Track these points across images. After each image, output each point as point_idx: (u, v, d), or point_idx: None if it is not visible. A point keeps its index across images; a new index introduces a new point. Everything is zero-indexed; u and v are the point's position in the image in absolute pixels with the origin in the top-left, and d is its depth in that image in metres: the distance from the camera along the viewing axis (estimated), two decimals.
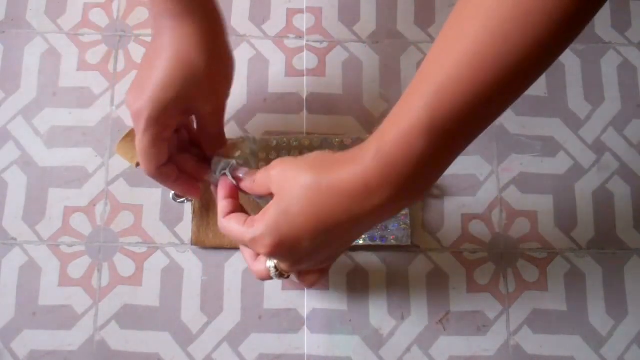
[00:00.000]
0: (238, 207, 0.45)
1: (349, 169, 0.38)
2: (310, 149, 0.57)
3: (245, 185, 0.45)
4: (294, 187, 0.39)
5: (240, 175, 0.45)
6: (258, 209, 0.44)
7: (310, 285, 0.48)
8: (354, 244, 0.55)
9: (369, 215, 0.38)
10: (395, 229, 0.56)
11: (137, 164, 0.56)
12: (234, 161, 0.47)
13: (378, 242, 0.55)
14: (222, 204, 0.45)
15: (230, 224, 0.43)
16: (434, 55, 0.37)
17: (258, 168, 0.46)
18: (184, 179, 0.48)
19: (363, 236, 0.55)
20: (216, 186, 0.47)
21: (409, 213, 0.56)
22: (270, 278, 0.46)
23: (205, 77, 0.44)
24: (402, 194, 0.38)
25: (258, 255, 0.46)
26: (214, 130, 0.47)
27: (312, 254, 0.41)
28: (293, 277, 0.47)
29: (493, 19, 0.34)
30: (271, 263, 0.45)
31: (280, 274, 0.45)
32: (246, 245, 0.42)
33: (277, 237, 0.39)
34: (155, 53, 0.44)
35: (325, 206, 0.38)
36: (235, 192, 0.46)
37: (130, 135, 0.49)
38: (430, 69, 0.36)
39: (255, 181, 0.44)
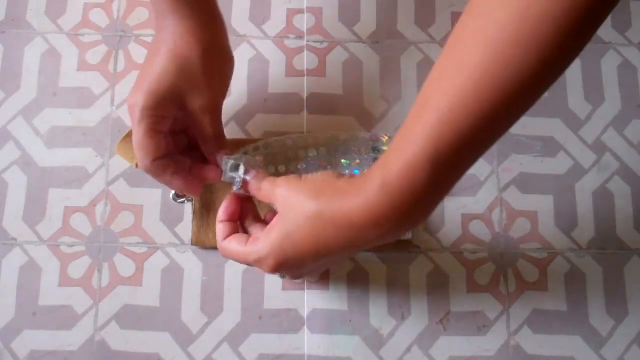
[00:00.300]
0: (237, 229, 0.46)
1: (354, 201, 0.38)
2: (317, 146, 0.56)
3: (251, 188, 0.45)
4: (298, 214, 0.40)
5: (248, 178, 0.45)
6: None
7: (314, 281, 0.50)
8: None
9: (372, 242, 0.39)
10: None
11: (137, 164, 0.56)
12: (242, 159, 0.46)
13: None
14: (220, 227, 0.45)
15: (231, 245, 0.44)
16: (435, 81, 0.37)
17: (267, 169, 0.46)
18: (181, 175, 0.48)
19: None
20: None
21: None
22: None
23: (200, 72, 0.45)
24: (406, 222, 0.38)
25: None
26: (210, 130, 0.47)
27: (314, 269, 0.43)
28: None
29: (495, 44, 0.33)
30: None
31: (284, 276, 0.46)
32: (248, 265, 0.43)
33: (281, 258, 0.41)
34: (154, 50, 0.46)
35: (329, 235, 0.39)
36: (236, 215, 0.46)
37: (130, 135, 0.49)
38: (432, 96, 0.36)
39: (260, 189, 0.44)
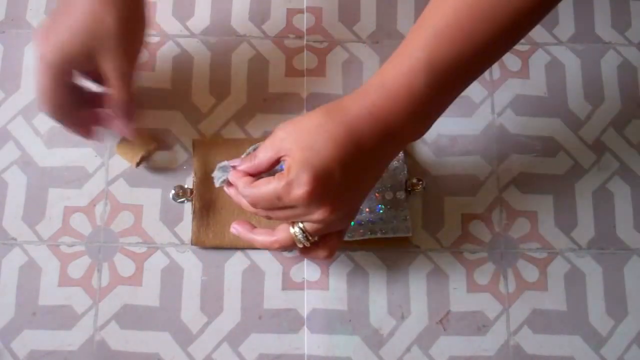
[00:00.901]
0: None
1: (356, 103, 0.42)
2: None
3: (248, 167, 0.46)
4: (310, 127, 0.42)
5: (236, 164, 0.47)
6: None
7: (331, 253, 0.49)
8: (354, 239, 0.55)
9: (382, 150, 0.42)
10: (394, 222, 0.56)
11: (138, 164, 0.56)
12: (225, 162, 0.48)
13: (379, 235, 0.55)
14: (242, 180, 0.46)
15: (259, 186, 0.44)
16: (433, 6, 0.40)
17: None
18: (82, 118, 0.51)
19: (362, 231, 0.55)
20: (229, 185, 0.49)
21: (407, 207, 0.56)
22: (292, 248, 0.47)
23: (115, 37, 0.46)
24: (405, 128, 0.42)
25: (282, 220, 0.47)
26: (120, 94, 0.49)
27: (343, 190, 0.43)
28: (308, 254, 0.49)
29: None
30: (296, 228, 0.46)
31: (307, 237, 0.46)
32: (278, 201, 0.43)
33: (311, 170, 0.41)
34: (70, 4, 0.46)
35: (342, 134, 0.41)
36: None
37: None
38: (430, 17, 0.40)
39: (257, 157, 0.45)
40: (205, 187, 0.56)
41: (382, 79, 0.41)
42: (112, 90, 0.49)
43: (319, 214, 0.44)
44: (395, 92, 0.41)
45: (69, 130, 0.52)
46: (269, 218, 0.47)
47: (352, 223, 0.55)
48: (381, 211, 0.56)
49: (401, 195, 0.56)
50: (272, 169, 0.45)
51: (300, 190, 0.42)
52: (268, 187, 0.43)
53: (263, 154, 0.45)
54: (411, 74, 0.40)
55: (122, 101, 0.50)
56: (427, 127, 0.44)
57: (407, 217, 0.56)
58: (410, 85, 0.40)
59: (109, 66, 0.47)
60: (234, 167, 0.47)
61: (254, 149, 0.55)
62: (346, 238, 0.55)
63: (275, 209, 0.45)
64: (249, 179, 0.46)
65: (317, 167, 0.41)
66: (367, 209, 0.56)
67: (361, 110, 0.42)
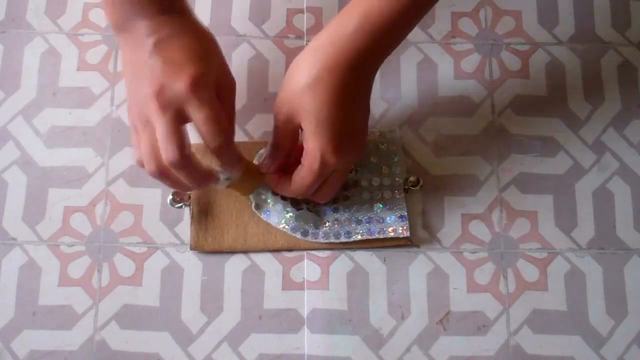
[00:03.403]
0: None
1: (328, 27, 0.48)
2: None
3: (272, 153, 0.51)
4: (298, 89, 0.47)
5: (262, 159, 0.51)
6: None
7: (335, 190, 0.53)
8: (353, 239, 0.55)
9: (352, 76, 0.46)
10: (392, 222, 0.56)
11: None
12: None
13: (376, 236, 0.55)
14: (280, 185, 0.52)
15: (296, 176, 0.49)
16: None
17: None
18: (202, 172, 0.47)
19: (360, 231, 0.55)
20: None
21: (405, 207, 0.56)
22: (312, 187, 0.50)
23: (220, 57, 0.48)
24: (378, 52, 0.48)
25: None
26: (232, 114, 0.50)
27: (348, 116, 0.47)
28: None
29: None
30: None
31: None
32: (320, 171, 0.48)
33: (326, 133, 0.47)
34: (166, 43, 0.45)
35: (333, 55, 0.46)
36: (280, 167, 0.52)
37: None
38: None
39: (280, 128, 0.50)
40: (202, 191, 0.56)
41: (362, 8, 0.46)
42: (228, 110, 0.48)
43: (348, 157, 0.50)
44: (367, 14, 0.46)
45: (192, 181, 0.47)
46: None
47: (351, 223, 0.55)
48: (379, 211, 0.56)
49: (399, 194, 0.57)
50: (295, 142, 0.50)
51: (333, 157, 0.47)
52: (300, 169, 0.48)
53: (278, 139, 0.50)
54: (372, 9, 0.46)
55: (229, 121, 0.48)
56: (391, 44, 0.49)
57: (405, 216, 0.56)
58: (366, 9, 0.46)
59: (228, 87, 0.49)
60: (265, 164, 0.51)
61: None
62: (344, 238, 0.55)
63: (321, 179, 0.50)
64: (286, 180, 0.51)
65: (328, 125, 0.46)
66: (365, 209, 0.56)
67: (336, 35, 0.47)
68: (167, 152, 0.44)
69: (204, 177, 0.47)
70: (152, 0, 0.46)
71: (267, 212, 0.55)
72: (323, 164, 0.47)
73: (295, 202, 0.55)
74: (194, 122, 0.44)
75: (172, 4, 0.47)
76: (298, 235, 0.55)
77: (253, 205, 0.55)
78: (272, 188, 0.53)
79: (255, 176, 0.52)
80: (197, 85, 0.43)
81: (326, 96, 0.46)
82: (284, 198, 0.55)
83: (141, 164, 0.47)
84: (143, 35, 0.46)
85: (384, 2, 0.46)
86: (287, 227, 0.55)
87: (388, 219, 0.56)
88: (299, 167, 0.49)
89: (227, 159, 0.47)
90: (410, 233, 0.56)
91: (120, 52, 0.48)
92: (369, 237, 0.55)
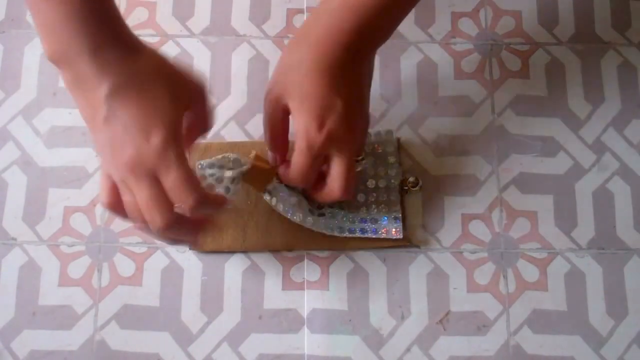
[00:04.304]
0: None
1: (314, 33, 0.47)
2: None
3: (271, 138, 0.50)
4: (295, 49, 0.47)
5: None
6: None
7: (347, 184, 0.50)
8: (350, 236, 0.55)
9: (343, 35, 0.45)
10: (385, 223, 0.56)
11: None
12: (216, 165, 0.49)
13: (369, 235, 0.55)
14: (281, 170, 0.51)
15: (294, 166, 0.48)
16: None
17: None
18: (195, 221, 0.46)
19: (353, 229, 0.55)
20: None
21: (399, 209, 0.56)
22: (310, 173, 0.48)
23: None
24: (365, 32, 0.46)
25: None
26: (205, 122, 0.49)
27: (336, 95, 0.46)
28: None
29: None
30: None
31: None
32: (320, 149, 0.46)
33: (312, 111, 0.46)
34: (121, 97, 0.41)
35: (316, 61, 0.46)
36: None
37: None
38: None
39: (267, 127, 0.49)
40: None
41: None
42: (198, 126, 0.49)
43: (342, 130, 0.47)
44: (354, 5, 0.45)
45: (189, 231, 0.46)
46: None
47: (346, 221, 0.55)
48: (375, 211, 0.56)
49: (395, 196, 0.56)
50: (287, 125, 0.49)
51: (318, 135, 0.46)
52: (296, 154, 0.47)
53: (268, 118, 0.49)
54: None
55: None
56: (384, 33, 0.48)
57: (399, 218, 0.56)
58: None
59: (198, 106, 0.47)
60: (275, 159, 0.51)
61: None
62: (336, 233, 0.55)
63: (323, 156, 0.48)
64: (287, 169, 0.49)
65: (312, 100, 0.45)
66: (360, 211, 0.56)
67: (325, 36, 0.46)
68: (154, 221, 0.42)
69: (200, 224, 0.46)
70: (94, 31, 0.40)
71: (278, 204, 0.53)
72: (309, 142, 0.46)
73: (311, 203, 0.54)
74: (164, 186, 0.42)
75: (117, 34, 0.42)
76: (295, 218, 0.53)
77: (268, 198, 0.54)
78: (282, 180, 0.51)
79: (265, 171, 0.51)
80: (164, 150, 0.41)
81: (309, 71, 0.45)
82: (295, 195, 0.53)
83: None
84: (89, 76, 0.40)
85: None
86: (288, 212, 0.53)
87: (382, 220, 0.56)
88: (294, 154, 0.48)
89: (206, 211, 0.45)
90: (409, 233, 0.56)
91: (64, 84, 0.42)
92: (361, 236, 0.55)
